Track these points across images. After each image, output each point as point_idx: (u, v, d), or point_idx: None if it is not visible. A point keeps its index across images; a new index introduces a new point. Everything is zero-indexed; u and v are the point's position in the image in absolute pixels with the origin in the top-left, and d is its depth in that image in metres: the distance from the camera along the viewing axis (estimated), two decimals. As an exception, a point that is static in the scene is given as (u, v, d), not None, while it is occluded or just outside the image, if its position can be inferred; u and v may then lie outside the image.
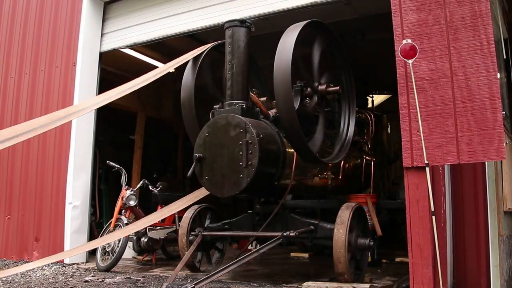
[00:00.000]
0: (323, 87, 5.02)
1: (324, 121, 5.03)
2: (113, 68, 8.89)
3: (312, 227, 4.54)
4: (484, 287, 4.04)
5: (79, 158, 6.52)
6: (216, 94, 5.26)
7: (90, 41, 6.81)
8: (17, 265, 6.13)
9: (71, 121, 6.07)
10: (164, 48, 8.36)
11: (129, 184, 6.57)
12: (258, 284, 4.57)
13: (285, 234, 4.31)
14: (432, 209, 3.70)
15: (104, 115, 7.64)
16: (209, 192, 4.72)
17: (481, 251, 4.09)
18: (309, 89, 4.99)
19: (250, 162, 4.22)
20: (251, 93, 4.82)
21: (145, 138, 9.30)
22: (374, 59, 8.34)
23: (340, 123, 5.37)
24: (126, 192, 6.16)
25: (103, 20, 7.00)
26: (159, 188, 6.69)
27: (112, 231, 5.94)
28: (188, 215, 5.25)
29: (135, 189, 6.38)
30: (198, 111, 5.22)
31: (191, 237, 5.06)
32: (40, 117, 4.58)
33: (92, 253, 6.48)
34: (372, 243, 4.47)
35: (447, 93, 3.77)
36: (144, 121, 9.30)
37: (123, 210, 6.15)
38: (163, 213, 5.78)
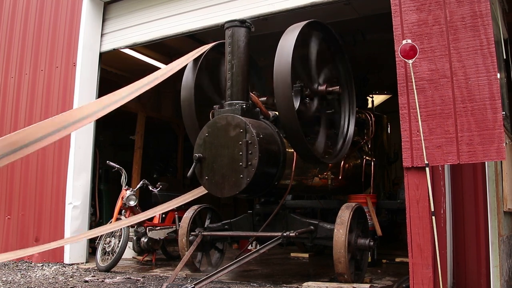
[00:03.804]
0: (323, 87, 5.02)
1: (326, 122, 5.03)
2: (113, 68, 8.90)
3: (312, 227, 4.54)
4: (484, 287, 4.04)
5: (79, 158, 6.53)
6: (213, 96, 5.26)
7: (90, 41, 6.82)
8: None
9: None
10: (164, 48, 8.37)
11: (129, 184, 6.57)
12: (258, 284, 4.57)
13: (285, 234, 4.31)
14: (432, 209, 3.70)
15: (104, 115, 7.62)
16: (207, 191, 4.72)
17: (481, 251, 4.09)
18: (309, 89, 4.99)
19: (250, 162, 4.22)
20: (251, 93, 4.82)
21: (145, 138, 9.31)
22: (374, 59, 8.35)
23: (340, 123, 5.37)
24: (126, 192, 6.16)
25: (103, 20, 7.00)
26: (159, 188, 6.69)
27: (112, 231, 5.94)
28: (188, 215, 5.25)
29: (135, 189, 6.38)
30: (198, 111, 5.22)
31: (191, 237, 5.05)
32: (43, 122, 4.25)
33: (92, 254, 6.48)
34: (372, 243, 4.47)
35: (447, 93, 3.77)
36: (144, 121, 9.30)
37: (123, 210, 6.15)
38: (162, 208, 5.78)
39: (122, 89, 4.72)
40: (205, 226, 5.28)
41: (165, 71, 5.10)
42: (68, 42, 6.84)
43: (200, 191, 5.50)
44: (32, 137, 3.83)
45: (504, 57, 5.09)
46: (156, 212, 5.92)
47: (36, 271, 5.55)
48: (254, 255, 4.35)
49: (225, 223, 5.15)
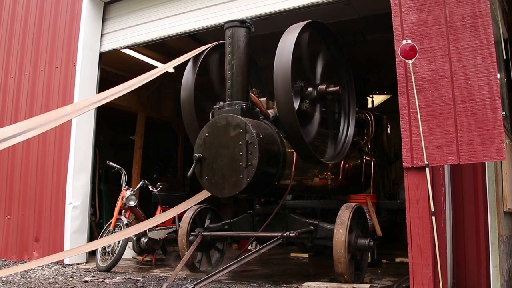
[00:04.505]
0: (323, 87, 5.02)
1: (320, 118, 5.01)
2: (113, 68, 8.91)
3: (312, 227, 4.54)
4: (484, 287, 4.04)
5: (79, 158, 6.53)
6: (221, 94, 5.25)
7: (90, 41, 6.82)
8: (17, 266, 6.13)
9: (71, 120, 6.08)
10: (164, 48, 8.37)
11: (129, 184, 6.57)
12: (258, 284, 4.57)
13: (285, 234, 4.31)
14: (432, 209, 3.70)
15: (104, 115, 7.64)
16: (210, 194, 4.72)
17: (481, 251, 4.09)
18: (309, 88, 4.99)
19: (250, 163, 4.22)
20: (251, 93, 4.81)
21: (145, 138, 9.31)
22: (374, 59, 8.35)
23: (340, 124, 5.37)
24: (126, 193, 6.16)
25: (103, 20, 7.00)
26: (159, 189, 6.69)
27: (112, 232, 5.94)
28: (188, 216, 5.25)
29: (135, 189, 6.37)
30: (198, 111, 5.22)
31: (191, 238, 5.05)
32: (37, 116, 4.42)
33: (92, 254, 6.48)
34: (372, 243, 4.47)
35: (447, 94, 3.78)
36: (144, 121, 9.31)
37: (123, 211, 6.15)
38: (166, 215, 5.79)
39: (118, 86, 4.81)
40: (205, 226, 5.28)
41: (163, 68, 5.12)
42: (68, 42, 6.85)
43: (203, 195, 5.50)
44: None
45: (504, 57, 5.09)
46: (159, 220, 5.89)
47: (36, 271, 5.55)
48: (254, 255, 4.35)
49: (225, 223, 5.15)
